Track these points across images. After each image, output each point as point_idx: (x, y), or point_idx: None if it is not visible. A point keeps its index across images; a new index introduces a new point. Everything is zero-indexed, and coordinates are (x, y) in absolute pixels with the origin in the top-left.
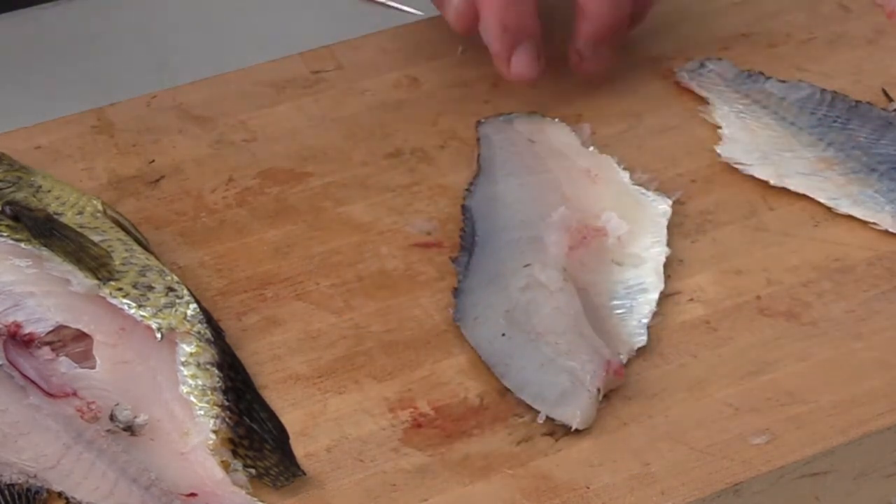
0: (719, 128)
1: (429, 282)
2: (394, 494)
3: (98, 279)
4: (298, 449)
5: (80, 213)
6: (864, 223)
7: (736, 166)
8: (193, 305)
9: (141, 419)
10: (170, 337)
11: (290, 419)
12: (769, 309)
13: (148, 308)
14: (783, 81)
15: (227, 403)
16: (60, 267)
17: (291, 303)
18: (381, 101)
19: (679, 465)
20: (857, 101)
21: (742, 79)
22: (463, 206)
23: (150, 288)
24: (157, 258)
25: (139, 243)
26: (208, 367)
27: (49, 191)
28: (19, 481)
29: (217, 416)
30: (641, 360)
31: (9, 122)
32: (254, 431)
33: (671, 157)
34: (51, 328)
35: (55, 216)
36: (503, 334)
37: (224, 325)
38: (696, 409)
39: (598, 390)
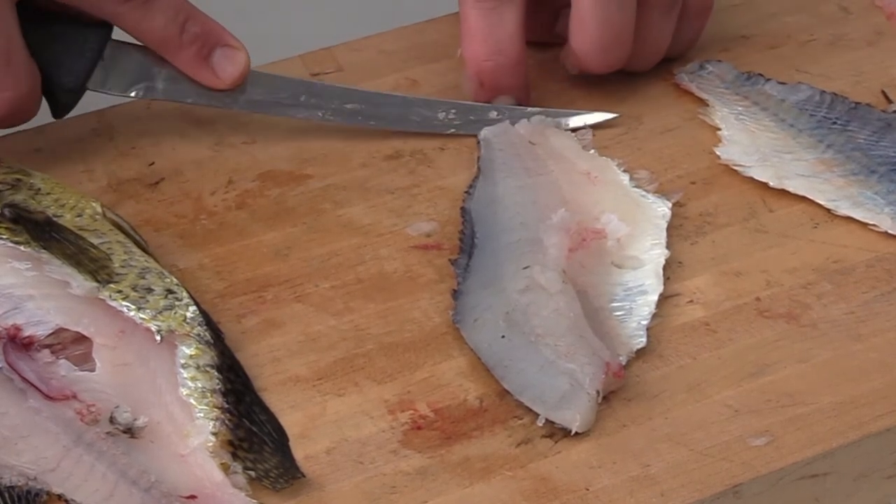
0: (719, 129)
1: (428, 284)
2: (393, 496)
3: (97, 281)
4: (298, 451)
5: (80, 215)
6: (864, 225)
7: (735, 168)
8: (193, 308)
9: (141, 421)
10: (169, 339)
11: (290, 421)
12: (769, 310)
13: (147, 310)
14: (783, 83)
15: (226, 406)
16: (60, 269)
17: (291, 305)
18: None
19: (679, 466)
20: (856, 103)
21: (742, 80)
22: (462, 208)
23: (150, 290)
24: (157, 260)
25: (138, 245)
26: (208, 369)
27: (48, 193)
28: (19, 484)
29: (217, 419)
30: (641, 362)
31: None
32: (253, 433)
33: (671, 158)
34: (50, 331)
35: (54, 218)
36: (503, 336)
37: (224, 327)
38: (696, 410)
39: (598, 392)
